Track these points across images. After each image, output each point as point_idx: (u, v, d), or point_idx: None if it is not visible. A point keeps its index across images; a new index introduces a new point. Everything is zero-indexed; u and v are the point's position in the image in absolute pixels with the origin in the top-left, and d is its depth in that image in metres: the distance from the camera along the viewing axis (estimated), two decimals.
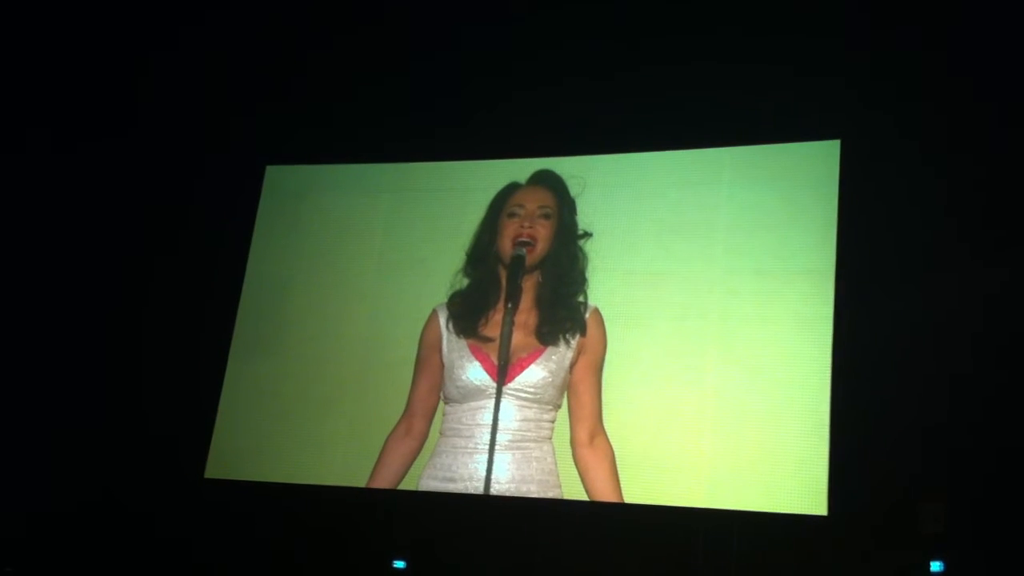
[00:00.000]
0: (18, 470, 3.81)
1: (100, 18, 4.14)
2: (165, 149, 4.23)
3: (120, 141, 4.23)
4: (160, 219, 4.17)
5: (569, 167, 3.70)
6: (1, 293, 3.96)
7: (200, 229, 4.11)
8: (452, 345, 3.57)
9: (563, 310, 3.51)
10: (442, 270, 3.71)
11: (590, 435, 3.39)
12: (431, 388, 3.58)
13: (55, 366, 3.98)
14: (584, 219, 3.62)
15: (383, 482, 3.53)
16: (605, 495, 3.31)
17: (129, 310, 4.07)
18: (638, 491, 3.28)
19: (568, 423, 3.42)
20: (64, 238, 4.10)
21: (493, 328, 3.52)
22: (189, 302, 4.01)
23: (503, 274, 3.57)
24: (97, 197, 4.16)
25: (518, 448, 3.40)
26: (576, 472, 3.37)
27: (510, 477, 3.38)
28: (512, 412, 3.42)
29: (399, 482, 3.52)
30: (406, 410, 3.59)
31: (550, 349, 3.47)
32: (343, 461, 3.62)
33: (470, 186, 3.79)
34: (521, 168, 3.74)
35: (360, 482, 3.56)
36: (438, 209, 3.84)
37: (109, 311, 4.06)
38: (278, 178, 4.14)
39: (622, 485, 3.30)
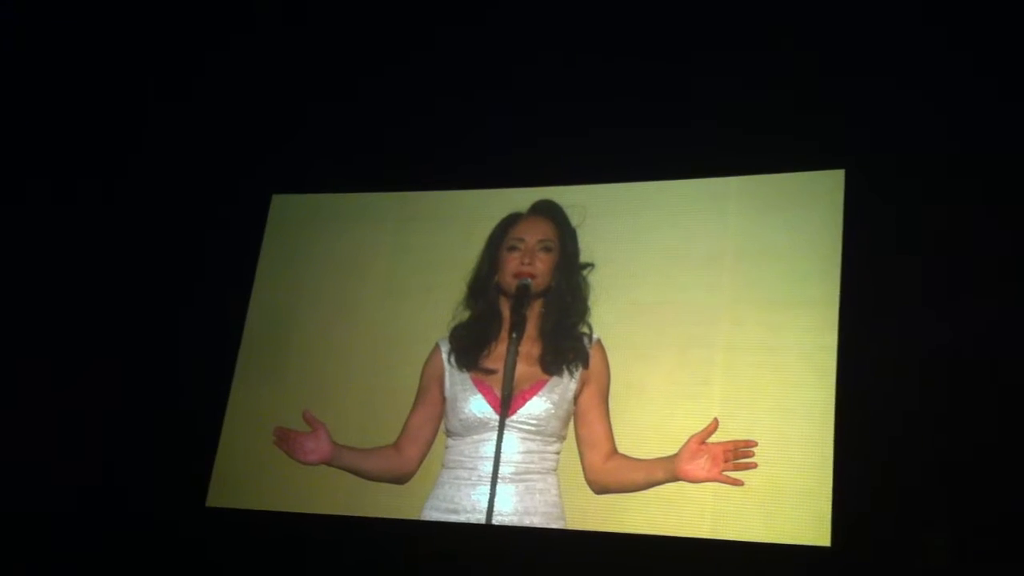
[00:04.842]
0: (16, 494, 3.80)
1: (106, 49, 4.19)
2: (170, 178, 4.25)
3: (125, 168, 4.25)
4: (165, 247, 4.17)
5: (574, 197, 3.70)
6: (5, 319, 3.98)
7: (205, 257, 4.11)
8: (455, 378, 3.57)
9: (566, 340, 3.51)
10: (447, 300, 3.71)
11: (605, 458, 3.37)
12: (426, 419, 3.58)
13: (56, 390, 3.98)
14: (588, 249, 3.62)
15: (348, 458, 3.60)
16: (642, 470, 3.29)
17: (131, 336, 4.07)
18: (641, 521, 3.26)
19: (576, 456, 3.40)
20: (67, 264, 4.11)
21: (495, 360, 3.52)
22: (193, 330, 4.02)
23: (505, 306, 3.57)
24: (101, 222, 4.18)
25: (521, 480, 3.39)
26: (582, 501, 3.33)
27: (513, 509, 3.37)
28: (515, 444, 3.41)
29: (362, 474, 3.59)
30: (400, 435, 3.60)
31: (553, 380, 3.47)
32: (346, 490, 3.61)
33: (474, 215, 3.80)
34: (525, 197, 3.74)
35: (363, 511, 3.56)
36: (442, 238, 3.85)
37: (110, 336, 4.07)
38: (284, 207, 4.15)
39: (627, 515, 3.28)
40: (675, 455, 3.26)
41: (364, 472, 3.60)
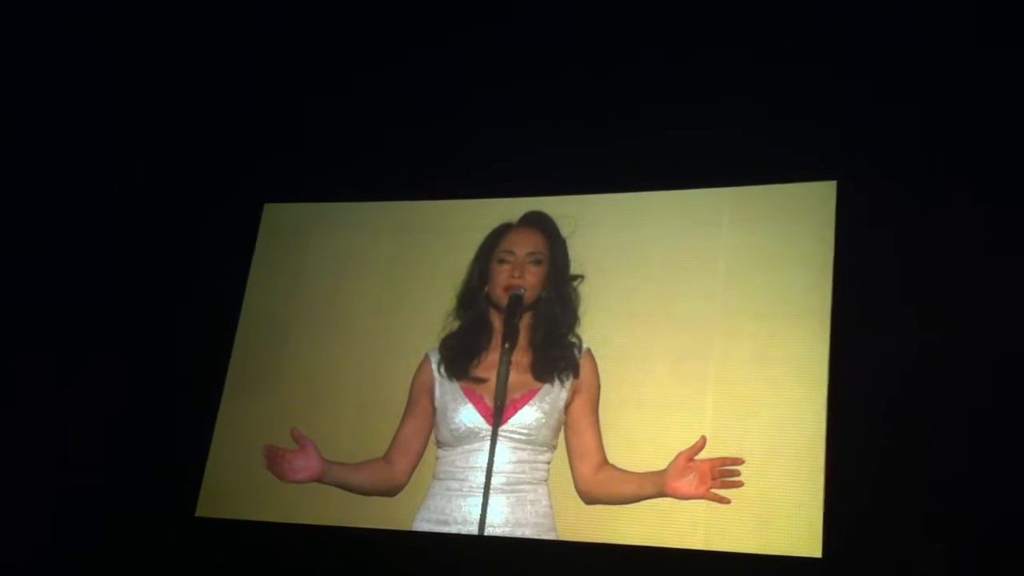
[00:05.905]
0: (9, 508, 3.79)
1: (106, 54, 4.19)
2: (162, 188, 4.24)
3: (117, 178, 4.25)
4: (157, 255, 4.16)
5: (566, 207, 3.70)
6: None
7: (197, 266, 4.11)
8: (445, 389, 3.56)
9: (556, 350, 3.51)
10: (439, 310, 3.70)
11: (596, 468, 3.37)
12: (417, 431, 3.57)
13: (52, 395, 3.96)
14: (580, 259, 3.62)
15: (340, 474, 3.58)
16: (632, 482, 3.29)
17: (122, 346, 4.06)
18: (634, 533, 3.25)
19: (567, 466, 3.40)
20: (63, 269, 4.09)
21: (485, 369, 3.51)
22: (183, 339, 4.01)
23: (495, 317, 3.57)
24: (95, 233, 4.17)
25: (512, 491, 3.38)
26: (572, 512, 3.33)
27: (504, 520, 3.36)
28: (506, 454, 3.39)
29: (354, 490, 3.57)
30: (390, 447, 3.59)
31: (543, 390, 3.46)
32: (337, 501, 3.60)
33: (466, 225, 3.80)
34: (516, 207, 3.74)
35: (353, 522, 3.55)
36: (435, 249, 3.85)
37: (99, 345, 4.05)
38: (276, 216, 4.15)
39: (619, 526, 3.27)
40: (664, 471, 3.26)
41: (354, 487, 3.59)
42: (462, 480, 3.43)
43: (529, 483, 3.40)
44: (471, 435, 3.45)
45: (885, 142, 3.39)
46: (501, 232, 3.70)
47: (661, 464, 3.28)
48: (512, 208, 3.76)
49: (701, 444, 3.24)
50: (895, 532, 3.01)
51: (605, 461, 3.36)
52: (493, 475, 3.31)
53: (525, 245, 3.62)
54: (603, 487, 3.34)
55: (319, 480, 3.62)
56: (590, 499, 3.35)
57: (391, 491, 3.54)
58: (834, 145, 3.45)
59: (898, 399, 3.12)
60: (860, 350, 3.19)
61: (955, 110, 3.33)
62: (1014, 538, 2.92)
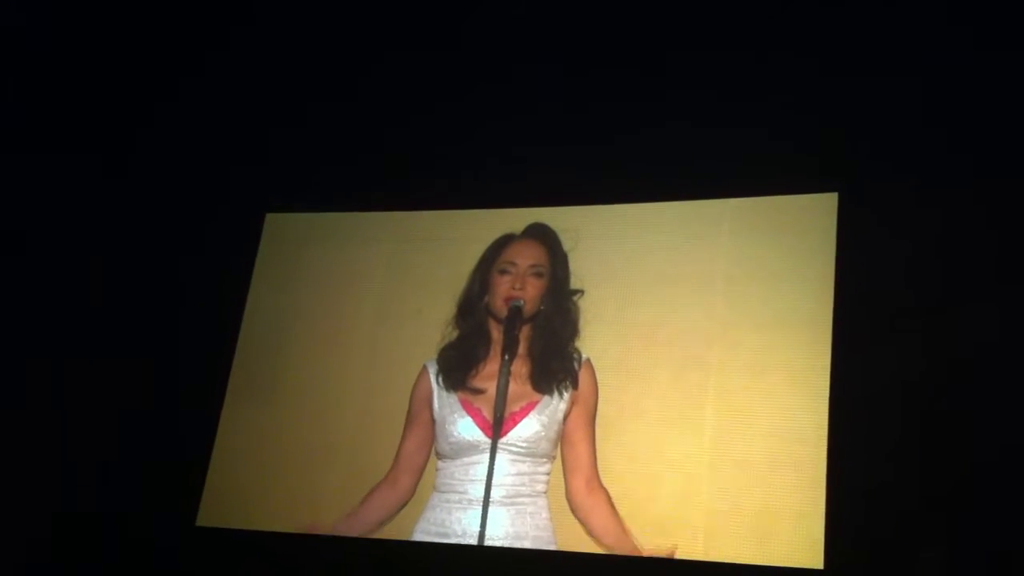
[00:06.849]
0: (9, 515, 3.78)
1: (102, 64, 4.21)
2: (164, 195, 4.24)
3: (119, 184, 4.25)
4: (158, 266, 4.16)
5: (568, 219, 3.70)
6: None
7: (198, 276, 4.10)
8: (443, 400, 3.55)
9: (555, 361, 3.50)
10: (439, 321, 3.70)
11: (587, 484, 3.36)
12: (420, 444, 3.56)
13: (49, 409, 3.96)
14: (582, 270, 3.62)
15: (352, 527, 3.54)
16: (610, 534, 3.28)
17: (122, 356, 4.05)
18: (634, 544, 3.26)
19: (562, 476, 3.40)
20: (61, 278, 4.09)
21: (483, 380, 3.51)
22: (184, 348, 4.01)
23: (494, 327, 3.57)
24: (94, 240, 4.17)
25: (512, 503, 3.37)
26: (571, 524, 3.32)
27: (504, 532, 3.35)
28: (505, 467, 3.39)
29: (372, 531, 3.52)
30: (393, 465, 3.57)
31: (543, 402, 3.45)
32: (338, 511, 3.59)
33: (468, 236, 3.79)
34: (519, 218, 3.74)
35: (353, 532, 3.54)
36: (436, 259, 3.84)
37: (102, 354, 4.04)
38: (278, 226, 4.15)
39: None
40: (637, 549, 3.24)
41: (368, 528, 3.54)
42: (462, 492, 3.42)
43: (529, 495, 3.39)
44: (470, 447, 3.44)
45: (887, 154, 3.39)
46: (503, 243, 3.70)
47: (661, 475, 3.28)
48: (512, 219, 3.76)
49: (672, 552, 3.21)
50: (897, 543, 3.01)
51: (597, 478, 3.36)
52: (493, 488, 3.31)
53: (527, 257, 3.62)
54: (587, 515, 3.34)
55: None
56: (575, 515, 3.36)
57: (400, 510, 3.53)
58: (835, 156, 3.45)
59: (899, 410, 3.12)
60: (861, 361, 3.19)
61: (957, 119, 3.33)
62: (1016, 548, 2.91)
